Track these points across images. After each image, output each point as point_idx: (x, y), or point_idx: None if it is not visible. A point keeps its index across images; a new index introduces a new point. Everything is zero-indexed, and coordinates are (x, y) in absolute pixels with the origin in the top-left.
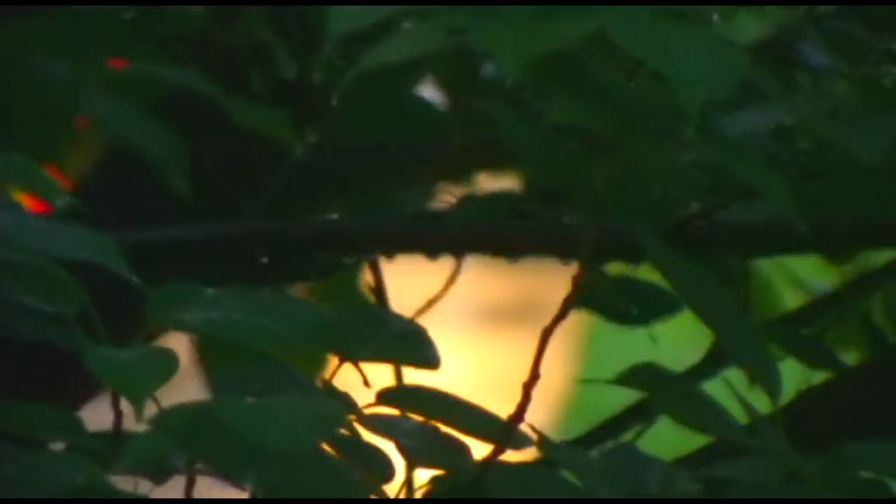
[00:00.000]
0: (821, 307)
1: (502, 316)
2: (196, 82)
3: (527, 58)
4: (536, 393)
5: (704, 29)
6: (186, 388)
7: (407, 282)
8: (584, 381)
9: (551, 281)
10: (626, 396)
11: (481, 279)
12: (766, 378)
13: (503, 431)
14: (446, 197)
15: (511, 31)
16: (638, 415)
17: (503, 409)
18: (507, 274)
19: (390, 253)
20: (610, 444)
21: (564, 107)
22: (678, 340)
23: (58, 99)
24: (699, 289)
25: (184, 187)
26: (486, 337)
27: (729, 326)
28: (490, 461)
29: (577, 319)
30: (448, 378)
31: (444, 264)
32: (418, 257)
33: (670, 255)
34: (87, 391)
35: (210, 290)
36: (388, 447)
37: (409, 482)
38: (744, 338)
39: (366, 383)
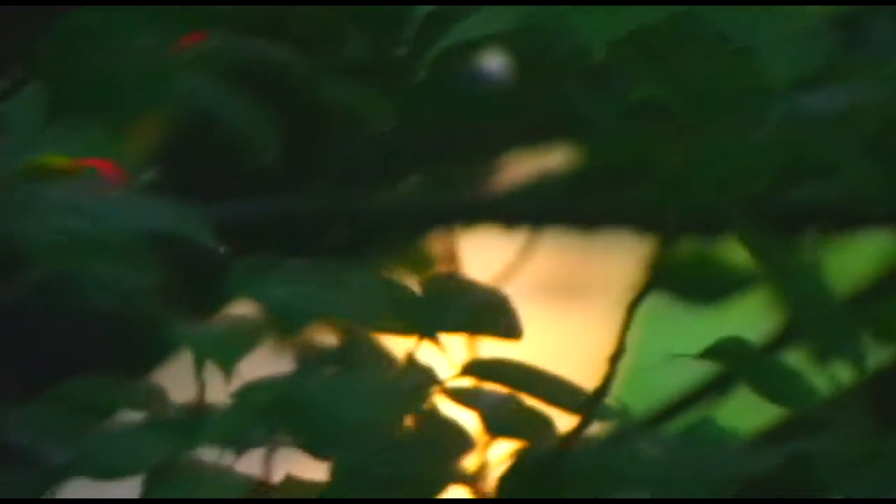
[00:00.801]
0: (892, 284)
1: (561, 293)
2: (283, 57)
3: (612, 37)
4: (590, 370)
5: (790, 7)
6: (267, 361)
7: (477, 255)
8: (673, 357)
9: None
10: (684, 376)
11: (548, 253)
12: (850, 352)
13: (588, 404)
14: (520, 171)
15: (596, 12)
16: (708, 392)
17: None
18: (572, 248)
19: (466, 226)
20: (682, 420)
21: (646, 85)
22: (731, 322)
23: (144, 77)
24: (781, 263)
25: (275, 164)
26: (552, 311)
27: (811, 301)
28: (574, 434)
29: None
30: (520, 351)
31: (510, 239)
32: (492, 231)
33: (753, 230)
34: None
35: (291, 264)
36: (467, 420)
37: (487, 457)
38: (826, 313)
39: (447, 357)
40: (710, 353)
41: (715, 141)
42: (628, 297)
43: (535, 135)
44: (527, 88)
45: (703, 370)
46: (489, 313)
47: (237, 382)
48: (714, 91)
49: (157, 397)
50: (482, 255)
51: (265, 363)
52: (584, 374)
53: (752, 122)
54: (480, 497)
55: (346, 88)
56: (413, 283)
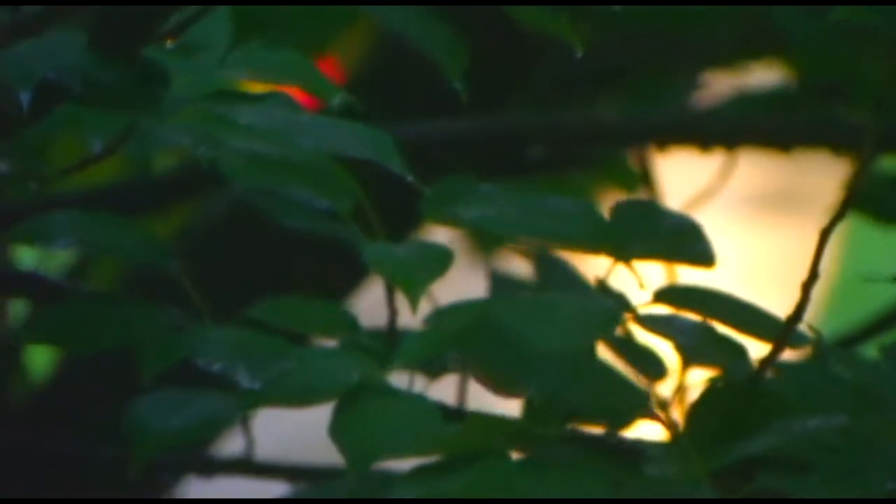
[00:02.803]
0: None
1: (768, 206)
2: None
3: None
4: (795, 288)
5: None
6: (459, 284)
7: (673, 174)
8: (868, 280)
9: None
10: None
11: (746, 169)
12: None
13: (781, 331)
14: (718, 88)
15: None
16: None
17: (768, 299)
18: (772, 164)
19: (663, 145)
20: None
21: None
22: None
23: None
24: None
25: (462, 88)
26: (752, 226)
27: None
28: (768, 361)
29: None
30: (723, 267)
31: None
32: (690, 150)
33: None
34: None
35: (485, 186)
36: (660, 347)
37: (682, 383)
38: None
39: (640, 283)
40: None
41: None
42: (828, 216)
43: (736, 52)
44: (728, 4)
45: None
46: (683, 240)
47: (432, 306)
48: None
49: (349, 322)
50: (680, 174)
51: (459, 288)
52: (789, 292)
53: None
54: (673, 426)
55: (540, 11)
56: (607, 205)
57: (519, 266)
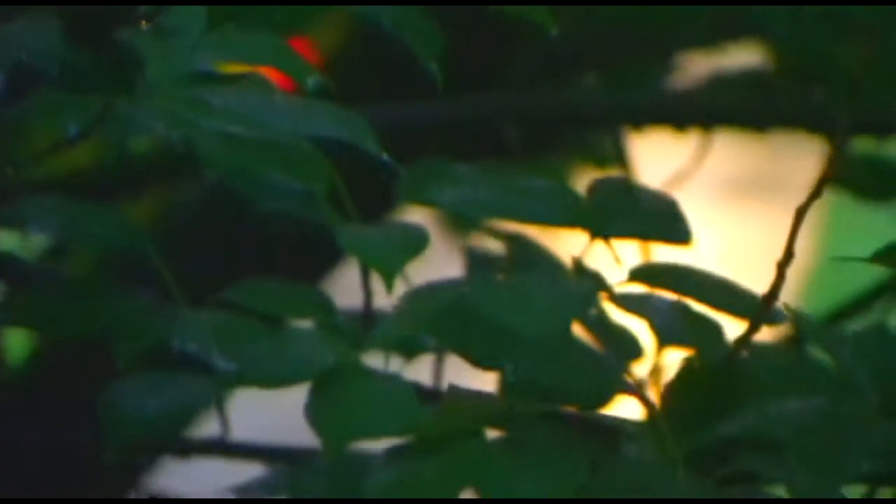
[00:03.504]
0: None
1: (742, 189)
2: None
3: None
4: (770, 271)
5: None
6: (433, 266)
7: (649, 155)
8: (840, 259)
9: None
10: (868, 275)
11: (720, 152)
12: None
13: (758, 309)
14: (694, 71)
15: None
16: (884, 294)
17: (746, 281)
18: (748, 147)
19: (638, 127)
20: (856, 323)
21: None
22: None
23: None
24: None
25: (437, 73)
26: (726, 209)
27: None
28: (744, 340)
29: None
30: (692, 251)
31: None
32: (665, 132)
33: None
34: (327, 269)
35: (461, 167)
36: (636, 327)
37: (658, 363)
38: None
39: (617, 261)
40: (883, 255)
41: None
42: (803, 197)
43: (712, 35)
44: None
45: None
46: (659, 218)
47: (407, 288)
48: None
49: (324, 304)
50: (656, 157)
51: (434, 269)
52: (767, 272)
53: None
54: (650, 406)
55: None
56: (583, 185)
57: (493, 247)
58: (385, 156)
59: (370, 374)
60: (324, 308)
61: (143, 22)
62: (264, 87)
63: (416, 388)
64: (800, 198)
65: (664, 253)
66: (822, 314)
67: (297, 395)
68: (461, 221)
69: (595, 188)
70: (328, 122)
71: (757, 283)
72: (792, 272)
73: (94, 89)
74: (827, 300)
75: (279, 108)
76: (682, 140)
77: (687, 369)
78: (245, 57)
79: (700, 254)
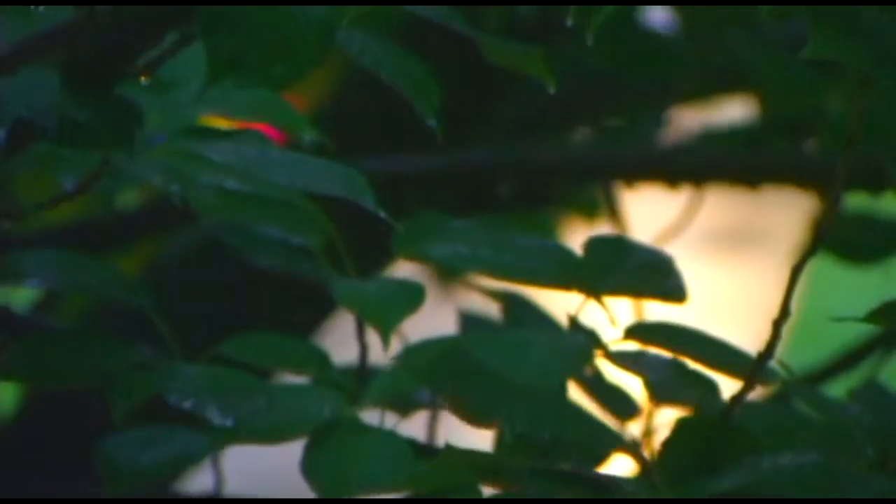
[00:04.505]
0: None
1: (726, 242)
2: (449, 17)
3: None
4: (760, 323)
5: None
6: (424, 321)
7: (642, 210)
8: (835, 319)
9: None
10: (850, 331)
11: (714, 206)
12: None
13: (753, 367)
14: (685, 125)
15: None
16: (873, 351)
17: (727, 336)
18: (731, 201)
19: (630, 181)
20: (845, 380)
21: (822, 41)
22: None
23: (313, 36)
24: None
25: (436, 125)
26: (711, 263)
27: None
28: (740, 397)
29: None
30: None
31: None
32: (656, 186)
33: None
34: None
35: (457, 223)
36: (631, 384)
37: (652, 419)
38: None
39: (612, 320)
40: (876, 315)
41: (887, 94)
42: (794, 252)
43: (703, 88)
44: (693, 40)
45: (868, 328)
46: (653, 275)
47: (400, 343)
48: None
49: (320, 358)
50: (647, 210)
51: (424, 325)
52: (753, 328)
53: None
54: (644, 463)
55: (512, 49)
56: (577, 240)
57: (484, 304)
58: (382, 213)
59: (366, 428)
60: (319, 362)
61: (143, 76)
62: (261, 142)
63: (412, 444)
64: (783, 252)
65: (655, 308)
66: (809, 371)
67: (295, 448)
68: (451, 276)
69: (590, 244)
70: (325, 176)
71: (740, 336)
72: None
73: (93, 143)
74: (809, 357)
75: (276, 162)
76: (674, 194)
77: (683, 425)
78: (242, 112)
79: (686, 307)
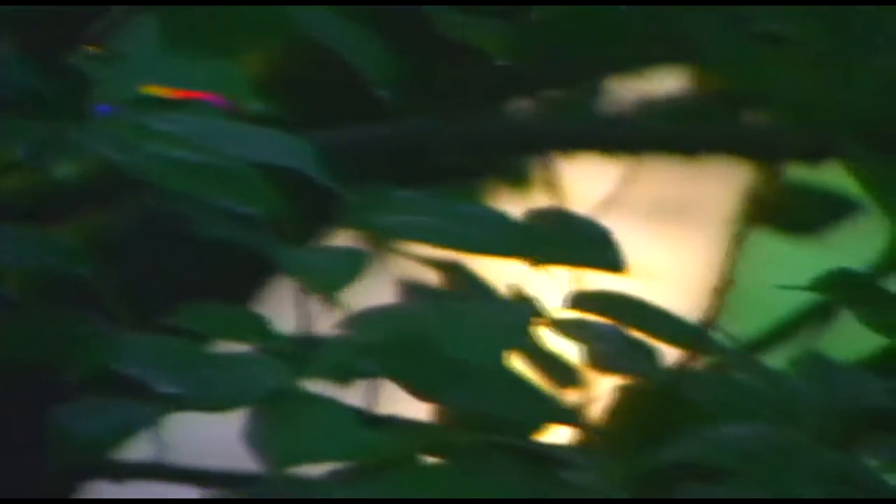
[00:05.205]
0: None
1: (661, 214)
2: None
3: None
4: (697, 294)
5: None
6: (369, 292)
7: (580, 181)
8: (779, 287)
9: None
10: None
11: (651, 178)
12: None
13: (697, 336)
14: (623, 95)
15: None
16: (811, 321)
17: (669, 305)
18: (676, 173)
19: (568, 153)
20: (785, 348)
21: (775, 14)
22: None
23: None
24: (891, 188)
25: (392, 98)
26: (647, 234)
27: None
28: (683, 366)
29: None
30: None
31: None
32: (594, 157)
33: (866, 155)
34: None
35: (403, 194)
36: (572, 353)
37: (596, 389)
38: None
39: (552, 288)
40: (819, 283)
41: (835, 67)
42: (733, 225)
43: (642, 59)
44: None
45: (805, 298)
46: (593, 246)
47: (341, 312)
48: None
49: (265, 328)
50: (584, 181)
51: (363, 293)
52: (689, 299)
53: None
54: (588, 433)
55: (468, 24)
56: (517, 210)
57: (418, 272)
58: (331, 183)
59: (312, 398)
60: (264, 331)
61: (93, 46)
62: (209, 113)
63: (357, 414)
64: (719, 224)
65: (594, 279)
66: (748, 341)
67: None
68: (387, 246)
69: (532, 216)
70: (273, 147)
71: (677, 306)
72: (701, 296)
73: (45, 114)
74: (747, 328)
75: (224, 133)
76: (611, 166)
77: (627, 395)
78: (190, 82)
79: (624, 278)
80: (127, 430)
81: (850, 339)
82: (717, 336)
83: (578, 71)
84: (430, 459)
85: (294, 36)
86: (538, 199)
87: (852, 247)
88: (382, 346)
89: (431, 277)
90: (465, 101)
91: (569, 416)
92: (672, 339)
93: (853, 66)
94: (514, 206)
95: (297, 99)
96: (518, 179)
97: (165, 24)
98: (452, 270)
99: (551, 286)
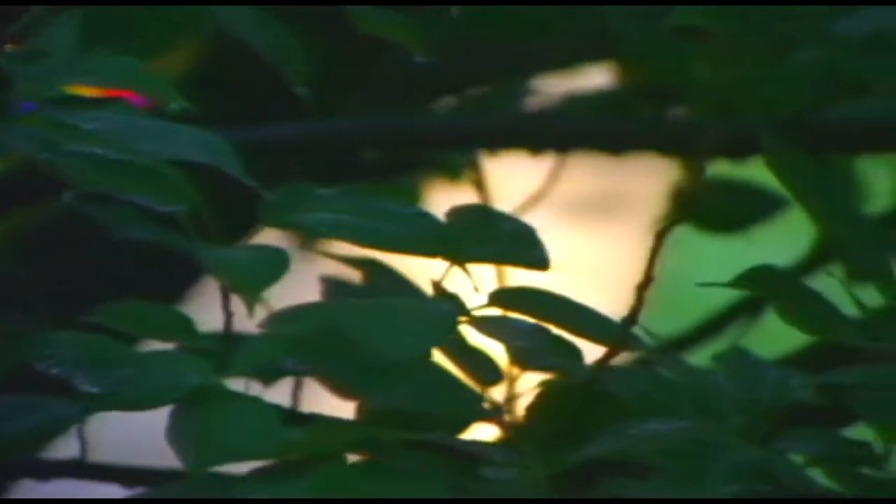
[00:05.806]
0: None
1: (587, 210)
2: None
3: None
4: (623, 291)
5: None
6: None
7: (505, 178)
8: (701, 285)
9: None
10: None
11: (577, 174)
12: (881, 274)
13: (618, 333)
14: (550, 93)
15: None
16: (737, 317)
17: (591, 301)
18: (601, 169)
19: (493, 149)
20: (711, 345)
21: (687, 9)
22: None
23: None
24: (813, 183)
25: (306, 94)
26: (572, 230)
27: (842, 222)
28: (604, 363)
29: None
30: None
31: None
32: (520, 154)
33: (784, 149)
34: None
35: (323, 191)
36: (494, 350)
37: (517, 385)
38: (858, 234)
39: (475, 287)
40: (742, 280)
41: (755, 61)
42: (658, 220)
43: (568, 56)
44: (561, 8)
45: (731, 294)
46: (517, 243)
47: (264, 310)
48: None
49: (186, 326)
50: (510, 178)
51: (285, 291)
52: (615, 295)
53: (792, 43)
54: (509, 430)
55: (383, 18)
56: (440, 206)
57: (343, 271)
58: (250, 181)
59: (234, 395)
60: (186, 329)
61: (15, 45)
62: (128, 111)
63: (279, 412)
64: (645, 220)
65: (518, 276)
66: (673, 338)
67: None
68: (311, 244)
69: (455, 213)
70: (193, 145)
71: (603, 303)
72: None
73: None
74: (672, 325)
75: (144, 130)
76: (537, 162)
77: (548, 392)
78: (110, 80)
79: (549, 275)
80: (51, 429)
81: (778, 335)
82: (640, 332)
83: (503, 68)
84: (353, 457)
85: (215, 34)
86: (465, 196)
87: (779, 243)
88: (306, 343)
89: (356, 276)
90: (387, 99)
91: (492, 412)
92: (594, 336)
93: (772, 59)
94: (449, 200)
95: (218, 97)
96: (449, 172)
97: (86, 22)
98: (374, 268)
99: (473, 283)
